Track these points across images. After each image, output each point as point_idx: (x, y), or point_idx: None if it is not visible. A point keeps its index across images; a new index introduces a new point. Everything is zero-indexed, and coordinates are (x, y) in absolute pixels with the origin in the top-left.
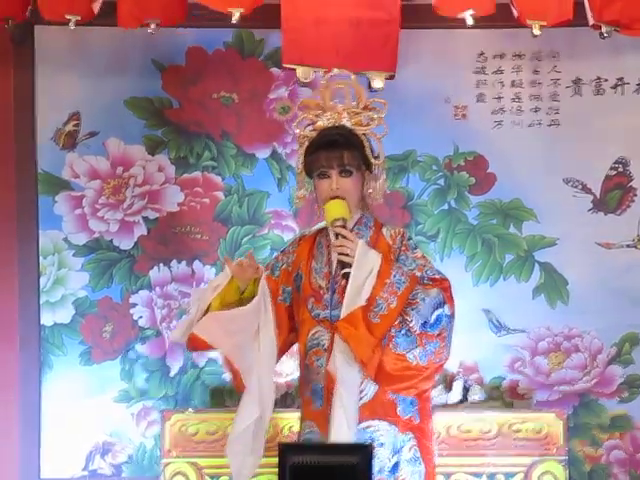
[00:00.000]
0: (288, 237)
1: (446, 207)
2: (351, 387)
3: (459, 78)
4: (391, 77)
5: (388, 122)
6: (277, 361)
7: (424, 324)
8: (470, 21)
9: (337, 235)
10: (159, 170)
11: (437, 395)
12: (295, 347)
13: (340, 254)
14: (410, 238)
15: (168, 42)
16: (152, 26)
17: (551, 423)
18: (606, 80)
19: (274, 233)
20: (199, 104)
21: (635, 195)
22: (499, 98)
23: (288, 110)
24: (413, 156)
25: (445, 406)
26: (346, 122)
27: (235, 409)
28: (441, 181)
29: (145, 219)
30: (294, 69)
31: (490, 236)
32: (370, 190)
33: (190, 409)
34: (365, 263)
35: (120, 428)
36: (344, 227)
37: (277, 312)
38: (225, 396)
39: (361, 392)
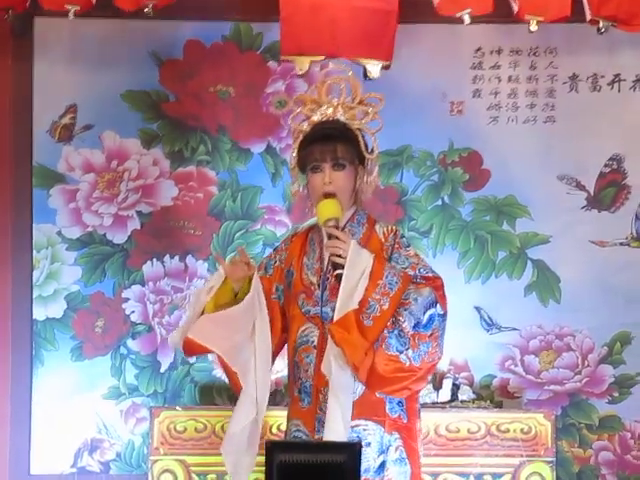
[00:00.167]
0: (281, 232)
1: (440, 203)
2: (345, 389)
3: (456, 73)
4: (387, 67)
5: (383, 117)
6: (273, 361)
7: (416, 324)
8: (467, 20)
9: (329, 235)
10: (154, 164)
11: (426, 394)
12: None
13: (332, 255)
14: (403, 236)
15: (166, 35)
16: (149, 7)
17: (539, 424)
18: (603, 77)
19: (267, 228)
20: (196, 98)
21: (629, 192)
22: (495, 94)
23: (285, 104)
24: (408, 151)
25: (434, 405)
26: (340, 116)
27: (224, 407)
28: (435, 177)
29: (139, 213)
30: (291, 61)
31: (483, 233)
32: (363, 184)
33: (179, 407)
34: (357, 264)
35: (109, 425)
36: (336, 227)
37: (271, 311)
38: (214, 393)
39: None
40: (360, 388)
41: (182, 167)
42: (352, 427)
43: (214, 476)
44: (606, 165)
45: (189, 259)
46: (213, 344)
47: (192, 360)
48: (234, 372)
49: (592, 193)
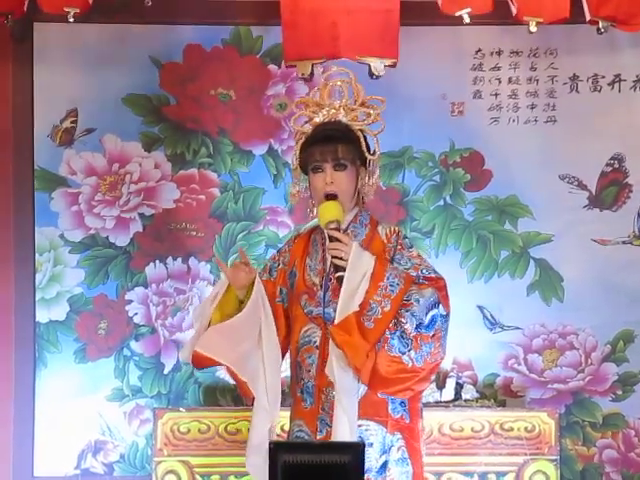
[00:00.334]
0: (283, 233)
1: (442, 203)
2: (350, 392)
3: (456, 75)
4: (393, 65)
5: (385, 118)
6: (281, 364)
7: (419, 325)
8: (467, 19)
9: (331, 237)
10: (155, 167)
11: (430, 393)
12: None
13: (334, 257)
14: (406, 237)
15: (166, 39)
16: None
17: (543, 422)
18: (603, 77)
19: (269, 229)
20: (196, 101)
21: (631, 191)
22: (496, 95)
23: (285, 107)
24: (409, 152)
25: (438, 404)
26: (342, 118)
27: (228, 408)
28: (437, 177)
29: (141, 216)
30: (294, 66)
31: (485, 232)
32: (365, 186)
33: (182, 408)
34: (359, 266)
35: (112, 427)
36: (338, 229)
37: (275, 314)
38: (218, 395)
39: None
40: (362, 389)
41: (184, 170)
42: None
43: (218, 477)
44: (607, 164)
45: (192, 261)
46: (220, 356)
47: None
48: (243, 382)
49: (594, 192)
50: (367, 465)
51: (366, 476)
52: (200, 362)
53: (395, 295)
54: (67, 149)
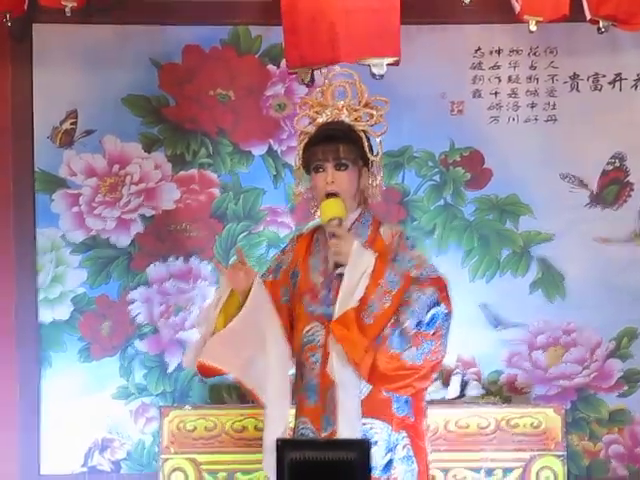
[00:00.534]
0: (284, 234)
1: (442, 203)
2: (350, 388)
3: (456, 74)
4: (396, 63)
5: (384, 118)
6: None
7: (419, 323)
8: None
9: (332, 234)
10: (155, 168)
11: (435, 390)
12: None
13: (335, 254)
14: (408, 237)
15: (165, 40)
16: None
17: (549, 418)
18: (604, 76)
19: (270, 230)
20: (195, 101)
21: (632, 190)
22: (496, 94)
23: (284, 107)
24: (409, 152)
25: (443, 401)
26: (345, 118)
27: (234, 405)
28: (437, 177)
29: (142, 217)
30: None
31: (486, 232)
32: (368, 187)
33: (188, 405)
34: (359, 263)
35: (119, 425)
36: (339, 227)
37: (281, 314)
38: (223, 392)
39: None
40: (366, 387)
41: (184, 170)
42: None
43: (225, 474)
44: (608, 163)
45: (193, 261)
46: (225, 364)
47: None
48: (252, 390)
49: (595, 191)
50: (372, 463)
51: (371, 474)
52: (206, 372)
53: (395, 292)
54: (67, 150)
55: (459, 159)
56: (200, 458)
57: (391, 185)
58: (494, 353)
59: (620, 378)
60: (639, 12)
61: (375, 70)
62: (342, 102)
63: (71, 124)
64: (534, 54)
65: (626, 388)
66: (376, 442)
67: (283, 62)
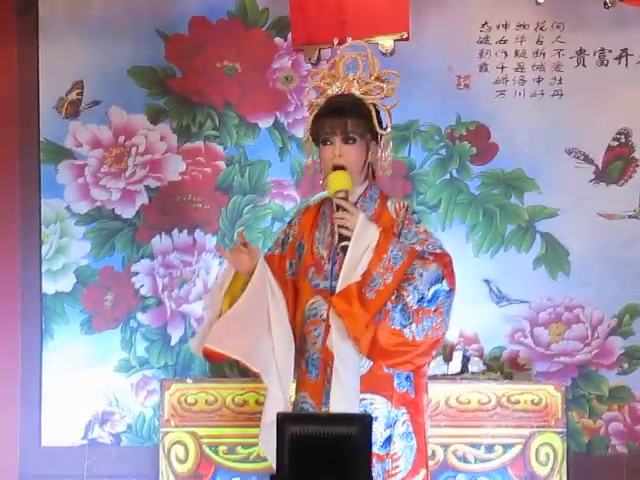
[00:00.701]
0: (289, 207)
1: (448, 177)
2: (348, 362)
3: (462, 48)
4: (405, 38)
5: (395, 91)
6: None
7: (421, 299)
8: None
9: (338, 207)
10: (161, 139)
11: (436, 365)
12: None
13: (340, 226)
14: (414, 212)
15: (171, 11)
16: None
17: (550, 395)
18: (610, 51)
19: (275, 203)
20: (202, 74)
21: (637, 166)
22: (502, 68)
23: (291, 80)
24: (415, 126)
25: (445, 376)
26: (355, 91)
27: (235, 379)
28: (443, 151)
29: (147, 188)
30: (302, 50)
31: (491, 206)
32: (377, 160)
33: (189, 379)
34: (364, 237)
35: (120, 397)
36: (346, 199)
37: (286, 288)
38: (224, 366)
39: None
40: (367, 363)
41: (189, 142)
42: (359, 401)
43: (225, 447)
44: (614, 139)
45: (197, 233)
46: (230, 349)
47: None
48: (258, 373)
49: (600, 166)
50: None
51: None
52: (211, 357)
53: (398, 268)
54: (73, 121)
55: (465, 133)
56: (201, 432)
57: (397, 159)
58: (496, 329)
59: (621, 355)
60: None
61: (381, 49)
62: (353, 75)
63: (77, 95)
64: (541, 29)
65: (627, 365)
66: (376, 418)
67: (290, 35)
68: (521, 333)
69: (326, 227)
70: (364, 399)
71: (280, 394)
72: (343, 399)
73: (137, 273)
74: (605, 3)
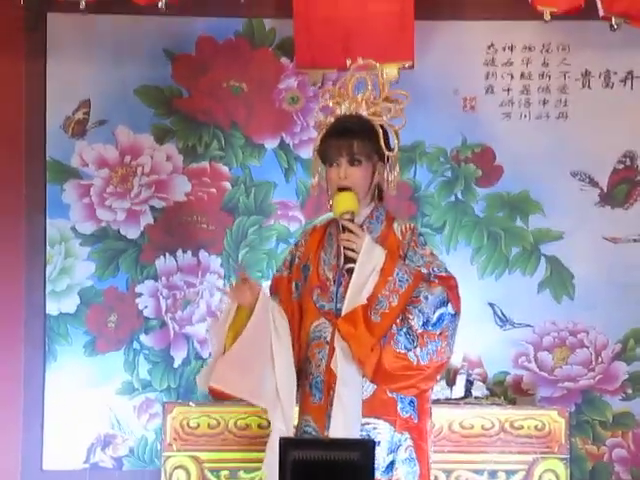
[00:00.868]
0: (294, 228)
1: (453, 199)
2: (351, 386)
3: (468, 69)
4: (410, 67)
5: (403, 112)
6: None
7: (426, 323)
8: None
9: (344, 228)
10: (167, 159)
11: (440, 390)
12: None
13: (345, 248)
14: (421, 234)
15: (178, 31)
16: (162, 1)
17: (553, 420)
18: (615, 73)
19: (280, 224)
20: (208, 93)
21: None
22: (508, 90)
23: (297, 100)
24: (421, 147)
25: (448, 401)
26: (363, 111)
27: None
28: (448, 173)
29: (152, 208)
30: (305, 73)
31: (496, 229)
32: (384, 181)
33: (192, 402)
34: (369, 259)
35: (122, 420)
36: (352, 221)
37: (291, 311)
38: None
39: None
40: (371, 387)
41: (195, 162)
42: (362, 425)
43: (227, 472)
44: (619, 161)
45: (202, 254)
46: (235, 388)
47: (205, 355)
48: (265, 409)
49: (605, 189)
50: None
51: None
52: (218, 395)
53: (403, 290)
54: (79, 140)
55: (470, 155)
56: (203, 456)
57: (402, 180)
58: (500, 353)
59: (625, 381)
60: None
61: (388, 77)
62: (361, 95)
63: (84, 114)
64: (546, 51)
65: (631, 391)
66: (379, 442)
67: (295, 67)
68: (525, 357)
69: (332, 248)
70: (367, 423)
71: (284, 427)
72: (344, 422)
73: (141, 294)
74: (611, 25)
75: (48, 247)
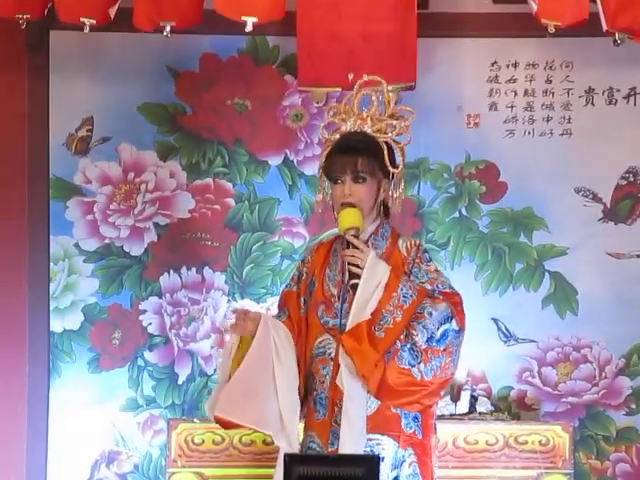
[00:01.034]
0: (299, 244)
1: (457, 215)
2: (357, 401)
3: (472, 86)
4: (410, 87)
5: (409, 129)
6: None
7: (430, 339)
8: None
9: (349, 244)
10: (170, 176)
11: (444, 405)
12: None
13: (350, 264)
14: (426, 251)
15: (182, 48)
16: (167, 29)
17: (557, 435)
18: (618, 90)
19: (284, 240)
20: (212, 110)
21: None
22: (512, 107)
23: (301, 117)
24: (425, 164)
25: (452, 417)
26: (368, 128)
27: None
28: (452, 189)
29: (156, 225)
30: (309, 92)
31: (500, 245)
32: (388, 198)
33: (196, 418)
34: (374, 275)
35: (126, 437)
36: (356, 237)
37: (300, 326)
38: None
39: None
40: (375, 402)
41: (199, 179)
42: (366, 441)
43: None
44: (622, 177)
45: (206, 271)
46: (240, 417)
47: (210, 372)
48: (269, 435)
49: (609, 205)
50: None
51: None
52: (225, 424)
53: (408, 306)
54: (82, 158)
55: (474, 172)
56: (207, 472)
57: (407, 197)
58: (504, 368)
59: (629, 396)
60: None
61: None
62: (367, 112)
63: (87, 131)
64: (550, 68)
65: (634, 406)
66: (383, 458)
67: (298, 86)
68: (529, 373)
69: (337, 265)
70: (371, 439)
71: (288, 447)
72: (352, 439)
73: (145, 311)
74: (615, 40)
75: (52, 264)
